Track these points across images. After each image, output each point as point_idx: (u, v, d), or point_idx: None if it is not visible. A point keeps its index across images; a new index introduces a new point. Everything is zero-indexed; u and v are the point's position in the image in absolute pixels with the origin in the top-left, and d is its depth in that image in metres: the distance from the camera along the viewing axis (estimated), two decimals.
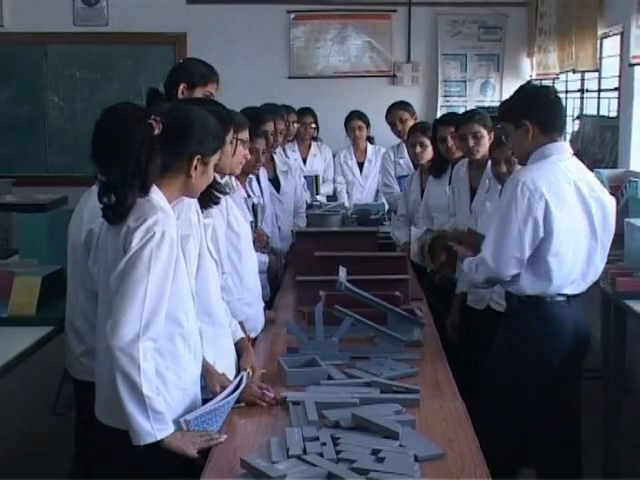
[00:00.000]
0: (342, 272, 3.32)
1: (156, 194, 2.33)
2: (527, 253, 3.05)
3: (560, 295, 3.13)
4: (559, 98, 3.23)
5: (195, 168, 2.37)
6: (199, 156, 2.37)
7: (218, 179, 2.92)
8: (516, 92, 3.31)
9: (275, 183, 4.94)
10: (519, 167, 3.34)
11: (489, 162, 3.90)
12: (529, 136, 3.12)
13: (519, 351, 3.16)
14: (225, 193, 2.87)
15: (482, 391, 3.26)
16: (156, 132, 2.29)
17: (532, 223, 3.02)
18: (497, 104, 7.96)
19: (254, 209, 4.17)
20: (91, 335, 2.87)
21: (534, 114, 3.12)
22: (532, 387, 3.18)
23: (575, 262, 3.11)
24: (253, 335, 3.29)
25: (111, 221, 2.31)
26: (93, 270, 2.80)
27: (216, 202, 2.79)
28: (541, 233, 3.03)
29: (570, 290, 3.14)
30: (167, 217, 2.30)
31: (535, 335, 3.14)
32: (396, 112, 6.08)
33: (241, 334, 2.89)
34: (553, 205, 3.02)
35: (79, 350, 2.95)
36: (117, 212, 2.28)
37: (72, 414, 3.14)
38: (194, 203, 2.64)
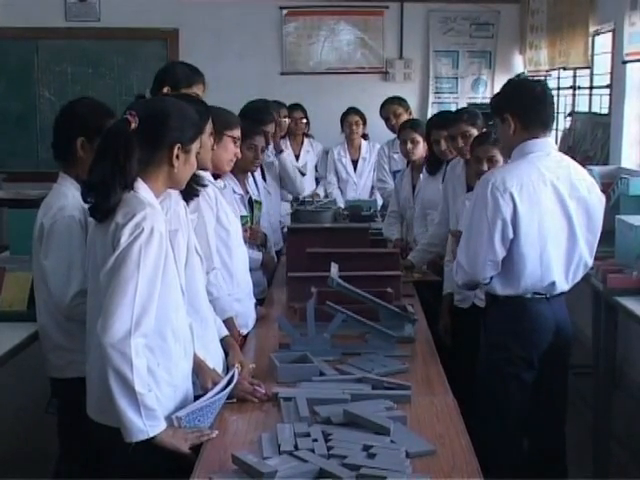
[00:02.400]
0: (334, 268, 3.31)
1: (143, 189, 2.32)
2: (500, 254, 3.01)
3: (538, 294, 3.10)
4: (546, 93, 3.12)
5: (177, 157, 2.36)
6: (179, 145, 2.36)
7: (204, 173, 2.93)
8: (503, 86, 3.27)
9: (261, 175, 4.94)
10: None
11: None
12: (511, 130, 3.08)
13: (500, 349, 3.13)
14: (204, 185, 2.86)
15: (474, 392, 3.22)
16: (133, 126, 2.28)
17: (501, 224, 2.98)
18: (489, 101, 7.96)
19: (251, 205, 4.17)
20: (54, 331, 2.90)
21: (515, 107, 3.08)
22: (516, 386, 3.14)
23: (549, 264, 3.05)
24: (244, 331, 3.29)
25: (98, 219, 2.30)
26: (44, 264, 2.82)
27: (196, 195, 2.78)
28: (510, 234, 2.99)
29: (549, 290, 3.10)
30: (155, 212, 2.29)
31: (514, 332, 3.11)
32: (390, 107, 6.09)
33: (225, 331, 2.89)
34: (522, 207, 2.97)
35: (46, 347, 2.94)
36: (102, 210, 2.27)
37: None
38: (181, 199, 2.63)
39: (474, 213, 3.06)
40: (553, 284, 3.09)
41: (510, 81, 3.43)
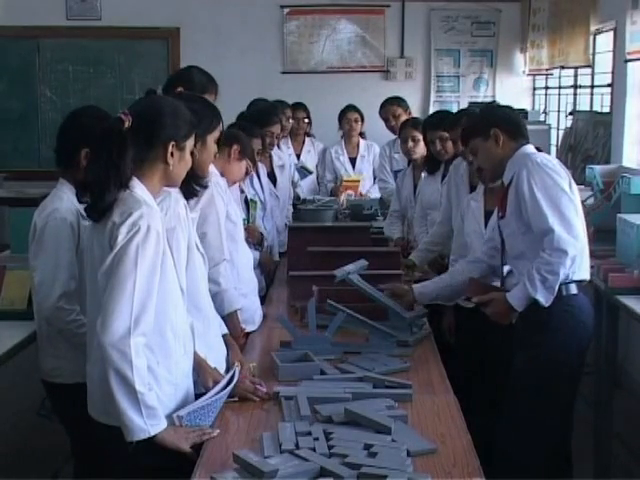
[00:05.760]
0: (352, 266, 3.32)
1: (139, 188, 2.32)
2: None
3: (574, 282, 3.03)
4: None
5: (172, 155, 2.35)
6: (173, 142, 2.35)
7: (211, 169, 2.93)
8: (480, 111, 3.52)
9: (271, 178, 4.94)
10: None
11: None
12: (499, 143, 3.12)
13: (560, 349, 3.01)
14: (205, 187, 2.86)
15: (509, 409, 3.10)
16: (126, 125, 2.28)
17: (568, 190, 3.00)
18: (490, 99, 7.97)
19: (247, 205, 4.17)
20: (41, 334, 2.90)
21: (500, 121, 3.16)
22: (572, 385, 3.09)
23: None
24: (250, 328, 3.28)
25: (94, 219, 2.30)
26: (32, 264, 2.84)
27: (195, 194, 2.78)
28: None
29: (584, 275, 3.08)
30: (152, 211, 2.28)
31: (571, 329, 3.02)
32: (389, 107, 6.07)
33: (225, 330, 2.89)
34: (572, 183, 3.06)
35: (41, 349, 2.94)
36: (98, 210, 2.27)
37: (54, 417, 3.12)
38: (182, 197, 2.63)
39: (545, 190, 2.97)
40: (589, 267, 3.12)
41: (478, 106, 3.86)
